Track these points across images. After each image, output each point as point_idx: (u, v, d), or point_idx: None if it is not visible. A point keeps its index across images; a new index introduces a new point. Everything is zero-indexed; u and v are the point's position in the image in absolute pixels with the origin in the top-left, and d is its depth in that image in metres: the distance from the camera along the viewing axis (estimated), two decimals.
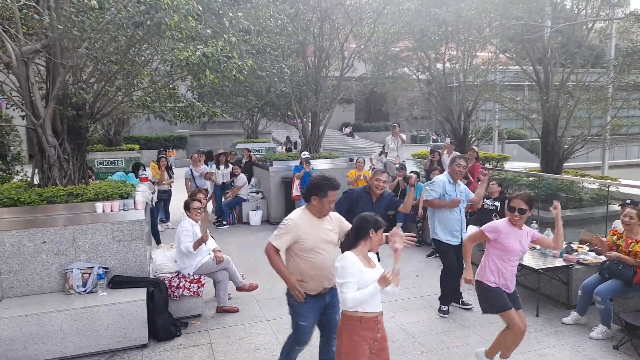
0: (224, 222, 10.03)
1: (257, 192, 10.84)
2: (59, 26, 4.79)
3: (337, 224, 3.56)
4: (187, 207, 5.50)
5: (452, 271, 5.31)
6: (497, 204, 7.03)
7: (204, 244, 5.27)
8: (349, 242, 3.11)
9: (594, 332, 4.67)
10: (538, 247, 5.76)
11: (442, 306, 5.38)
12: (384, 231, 3.16)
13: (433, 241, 5.53)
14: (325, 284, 3.44)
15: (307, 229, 3.39)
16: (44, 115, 5.12)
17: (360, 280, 2.94)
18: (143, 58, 6.02)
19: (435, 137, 33.74)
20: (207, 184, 10.12)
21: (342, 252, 3.08)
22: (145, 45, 5.71)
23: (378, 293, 2.98)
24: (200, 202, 5.60)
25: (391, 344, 3.54)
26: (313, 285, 3.41)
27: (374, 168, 11.93)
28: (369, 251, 3.13)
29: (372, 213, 3.17)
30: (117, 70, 5.59)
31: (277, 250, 3.39)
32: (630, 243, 4.70)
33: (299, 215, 3.47)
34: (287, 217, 3.48)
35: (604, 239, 5.03)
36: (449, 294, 5.41)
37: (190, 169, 9.97)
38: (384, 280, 2.91)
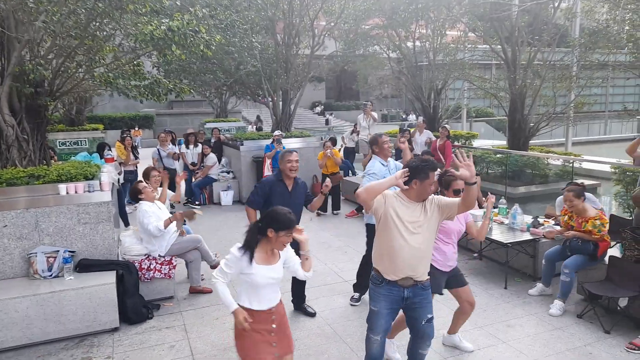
0: (196, 202, 9.87)
1: (228, 172, 10.69)
2: None
3: (435, 206, 3.14)
4: (137, 191, 5.24)
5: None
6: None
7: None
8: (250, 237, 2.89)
9: (553, 309, 4.74)
10: (507, 222, 5.91)
11: (355, 294, 5.11)
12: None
13: (366, 226, 4.98)
14: (405, 272, 3.11)
15: (396, 207, 3.06)
16: (0, 92, 4.84)
17: (249, 278, 2.83)
18: (105, 33, 5.75)
19: (404, 116, 34.05)
20: (176, 164, 9.90)
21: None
22: (106, 19, 5.45)
23: (272, 287, 2.91)
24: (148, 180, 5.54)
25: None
26: (391, 269, 3.12)
27: (346, 146, 11.94)
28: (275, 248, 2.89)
29: (286, 209, 2.90)
30: (77, 46, 5.32)
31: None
32: (582, 223, 4.86)
33: (392, 192, 3.15)
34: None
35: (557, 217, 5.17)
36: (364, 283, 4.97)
37: (158, 149, 9.72)
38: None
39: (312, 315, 4.76)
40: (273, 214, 2.86)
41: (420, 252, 3.11)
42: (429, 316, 3.25)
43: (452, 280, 3.99)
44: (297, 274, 3.07)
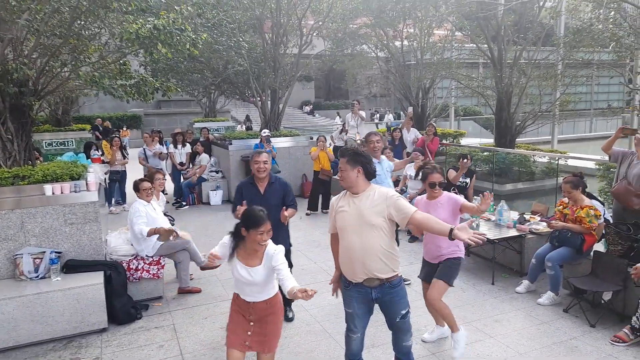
0: (184, 203, 9.82)
1: (217, 172, 10.65)
2: None
3: (382, 201, 3.03)
4: (136, 188, 5.32)
5: None
6: (467, 180, 6.93)
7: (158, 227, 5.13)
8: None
9: (542, 298, 4.88)
10: (493, 218, 5.96)
11: None
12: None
13: None
14: (359, 273, 3.08)
15: (340, 206, 3.15)
16: None
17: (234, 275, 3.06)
18: (90, 32, 5.69)
19: (390, 116, 34.11)
20: (162, 164, 9.83)
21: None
22: (91, 18, 5.39)
23: (249, 286, 3.03)
24: (151, 182, 5.46)
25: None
26: (351, 271, 3.14)
27: (335, 145, 11.93)
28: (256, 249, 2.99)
29: (258, 208, 2.99)
30: (61, 45, 5.25)
31: (334, 235, 3.30)
32: (576, 210, 4.94)
33: (339, 195, 3.26)
34: None
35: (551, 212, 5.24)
36: None
37: (144, 149, 9.66)
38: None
39: (289, 320, 4.63)
40: (244, 213, 3.03)
41: (372, 249, 3.03)
42: (403, 312, 3.18)
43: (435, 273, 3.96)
44: (282, 285, 3.00)
